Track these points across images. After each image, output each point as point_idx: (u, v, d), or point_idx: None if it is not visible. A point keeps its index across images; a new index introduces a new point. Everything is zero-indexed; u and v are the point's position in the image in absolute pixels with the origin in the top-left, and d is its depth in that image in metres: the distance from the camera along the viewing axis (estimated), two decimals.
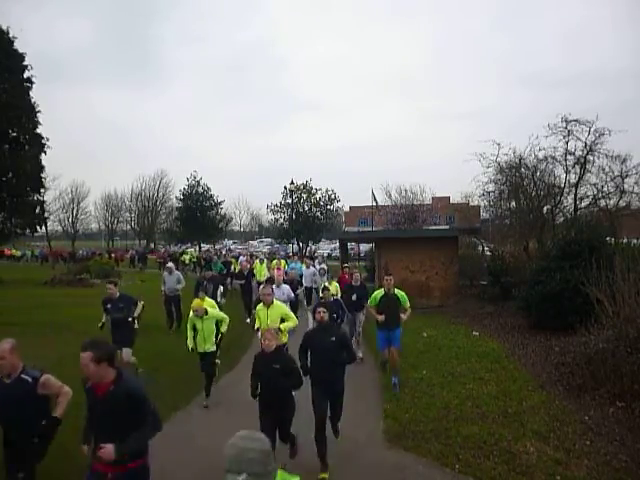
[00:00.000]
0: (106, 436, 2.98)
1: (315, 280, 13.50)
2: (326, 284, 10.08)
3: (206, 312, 6.80)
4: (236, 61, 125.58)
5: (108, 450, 2.89)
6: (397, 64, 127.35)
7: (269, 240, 51.45)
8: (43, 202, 27.66)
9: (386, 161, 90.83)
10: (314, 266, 15.83)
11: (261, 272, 14.85)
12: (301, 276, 14.02)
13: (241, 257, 22.67)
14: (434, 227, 25.19)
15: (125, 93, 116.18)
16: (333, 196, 37.62)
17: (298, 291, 11.40)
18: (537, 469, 4.77)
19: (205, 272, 12.19)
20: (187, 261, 29.52)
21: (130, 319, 7.66)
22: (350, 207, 44.80)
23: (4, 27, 23.52)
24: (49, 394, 3.77)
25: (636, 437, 5.44)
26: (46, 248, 43.84)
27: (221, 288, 12.58)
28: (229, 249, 37.89)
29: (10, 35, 23.78)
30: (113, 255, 39.51)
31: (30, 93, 24.79)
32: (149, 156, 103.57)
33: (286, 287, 9.11)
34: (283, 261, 18.25)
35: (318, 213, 37.42)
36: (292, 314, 6.89)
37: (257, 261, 16.32)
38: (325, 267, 15.53)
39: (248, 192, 74.09)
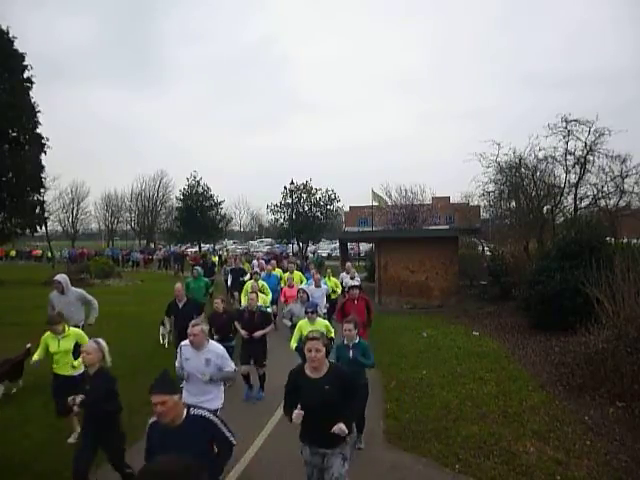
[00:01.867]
0: None
1: (292, 312, 7.84)
2: (309, 322, 6.40)
3: None
4: (237, 61, 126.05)
5: None
6: (398, 64, 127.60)
7: (269, 240, 51.46)
8: (43, 202, 27.59)
9: (386, 161, 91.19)
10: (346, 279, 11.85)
11: (245, 294, 9.57)
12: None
13: (254, 261, 17.87)
14: (434, 227, 25.26)
15: (125, 93, 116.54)
16: (333, 196, 37.69)
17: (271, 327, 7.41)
18: (537, 469, 4.77)
19: None
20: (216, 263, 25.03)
21: None
22: (350, 207, 45.18)
23: (4, 27, 23.57)
24: None
25: (636, 437, 5.44)
26: (77, 248, 44.03)
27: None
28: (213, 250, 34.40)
29: (10, 35, 23.79)
30: (150, 256, 37.72)
31: (30, 93, 24.76)
32: (149, 156, 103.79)
33: (213, 348, 4.64)
34: (298, 274, 12.34)
35: (318, 213, 37.44)
36: None
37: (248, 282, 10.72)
38: (357, 281, 11.03)
39: (248, 192, 74.30)
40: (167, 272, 29.66)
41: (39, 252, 45.39)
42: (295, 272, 12.23)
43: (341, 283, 12.17)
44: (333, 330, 6.92)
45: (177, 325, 7.60)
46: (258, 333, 7.03)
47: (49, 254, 41.05)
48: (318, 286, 9.90)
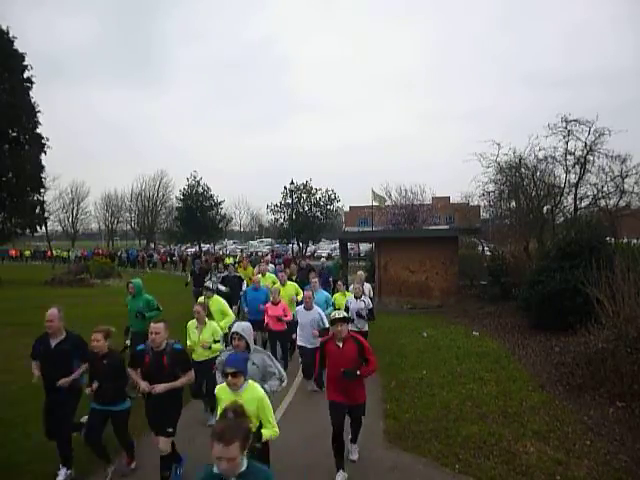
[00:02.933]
0: None
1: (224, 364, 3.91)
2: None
3: None
4: (237, 60, 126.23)
5: None
6: (398, 64, 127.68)
7: (269, 240, 51.48)
8: (43, 202, 27.68)
9: (386, 161, 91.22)
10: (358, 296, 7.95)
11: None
12: (295, 324, 7.65)
13: (268, 265, 13.72)
14: (434, 227, 25.26)
15: (125, 93, 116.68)
16: (333, 196, 37.77)
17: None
18: (537, 469, 4.76)
19: None
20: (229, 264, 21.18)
21: None
22: (350, 207, 45.24)
23: (4, 27, 23.59)
24: None
25: (636, 437, 5.43)
26: (96, 248, 44.13)
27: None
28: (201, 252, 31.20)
29: (10, 35, 23.82)
30: (171, 257, 35.86)
31: (30, 93, 24.84)
32: (149, 156, 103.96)
33: None
34: (291, 285, 9.30)
35: (318, 213, 37.51)
36: None
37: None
38: (365, 303, 7.87)
39: (248, 192, 74.36)
40: (185, 274, 23.47)
41: (53, 253, 45.63)
42: (288, 283, 9.24)
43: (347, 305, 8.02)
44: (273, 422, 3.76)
45: (45, 376, 4.78)
46: (160, 387, 4.44)
47: (64, 254, 41.28)
48: (309, 308, 7.18)
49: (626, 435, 5.50)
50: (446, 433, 5.68)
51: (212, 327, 6.17)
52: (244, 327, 4.48)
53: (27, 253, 46.13)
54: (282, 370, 4.56)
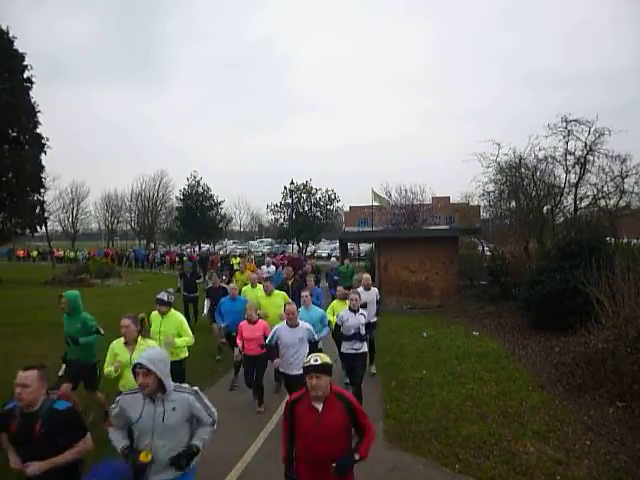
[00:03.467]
0: None
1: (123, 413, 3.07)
2: None
3: None
4: (237, 60, 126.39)
5: None
6: (398, 64, 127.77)
7: (269, 240, 51.46)
8: (43, 202, 27.65)
9: (386, 161, 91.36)
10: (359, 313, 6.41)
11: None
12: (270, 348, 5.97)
13: (269, 267, 13.56)
14: (434, 227, 25.26)
15: (125, 93, 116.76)
16: (333, 196, 37.71)
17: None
18: (537, 469, 4.76)
19: None
20: (236, 265, 20.91)
21: None
22: (350, 207, 45.22)
23: (4, 27, 23.57)
24: None
25: (636, 437, 5.43)
26: (106, 248, 44.37)
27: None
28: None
29: (10, 35, 23.81)
30: (178, 257, 33.99)
31: (30, 93, 24.83)
32: (149, 156, 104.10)
33: None
34: (280, 294, 8.12)
35: (318, 213, 37.46)
36: None
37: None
38: (361, 314, 6.39)
39: (248, 192, 74.50)
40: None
41: (60, 253, 45.62)
42: (275, 292, 8.07)
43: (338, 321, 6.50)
44: None
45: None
46: (35, 467, 2.99)
47: (71, 254, 41.34)
48: (294, 325, 5.77)
49: (626, 435, 5.50)
50: (446, 433, 5.68)
51: (148, 347, 4.49)
52: (153, 356, 3.02)
53: (34, 254, 46.72)
54: (213, 409, 3.21)
